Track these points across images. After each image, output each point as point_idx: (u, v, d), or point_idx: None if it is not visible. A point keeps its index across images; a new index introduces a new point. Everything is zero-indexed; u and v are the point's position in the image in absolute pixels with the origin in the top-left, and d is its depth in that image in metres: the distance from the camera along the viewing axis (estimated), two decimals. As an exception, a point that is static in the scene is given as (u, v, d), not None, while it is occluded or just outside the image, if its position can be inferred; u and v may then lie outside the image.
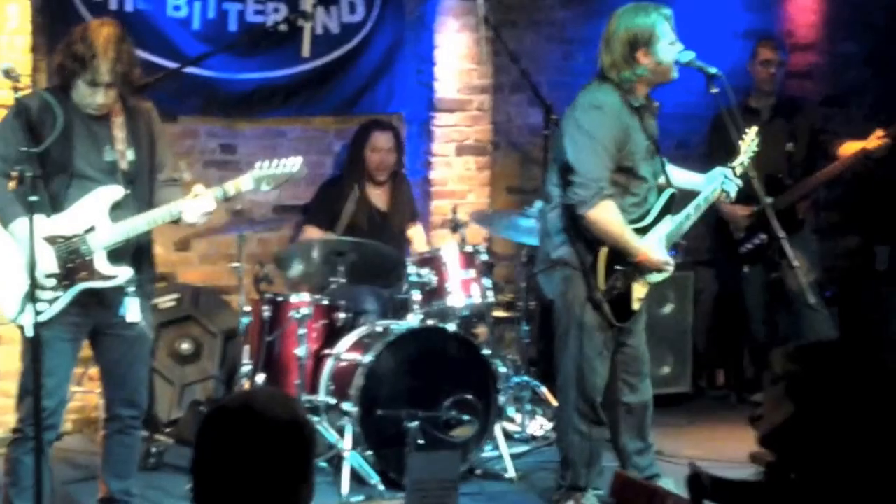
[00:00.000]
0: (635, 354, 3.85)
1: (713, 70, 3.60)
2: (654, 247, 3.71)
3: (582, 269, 3.66)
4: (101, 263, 3.25)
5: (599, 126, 3.59)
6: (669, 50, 3.61)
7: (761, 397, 1.98)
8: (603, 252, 3.64)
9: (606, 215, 3.58)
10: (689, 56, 3.63)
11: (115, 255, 3.27)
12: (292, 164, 3.40)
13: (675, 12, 4.98)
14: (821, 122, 5.26)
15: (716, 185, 3.80)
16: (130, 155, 3.28)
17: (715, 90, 3.59)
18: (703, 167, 5.66)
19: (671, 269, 3.77)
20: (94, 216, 3.24)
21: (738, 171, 3.82)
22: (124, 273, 3.27)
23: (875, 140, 4.73)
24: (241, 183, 3.36)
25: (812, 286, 5.08)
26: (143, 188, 3.33)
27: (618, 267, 3.65)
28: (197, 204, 3.26)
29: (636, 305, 3.75)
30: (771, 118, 5.07)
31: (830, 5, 6.02)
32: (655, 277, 3.77)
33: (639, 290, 3.75)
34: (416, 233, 4.97)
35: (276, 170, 3.38)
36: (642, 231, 3.71)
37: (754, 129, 3.95)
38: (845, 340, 1.89)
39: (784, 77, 5.79)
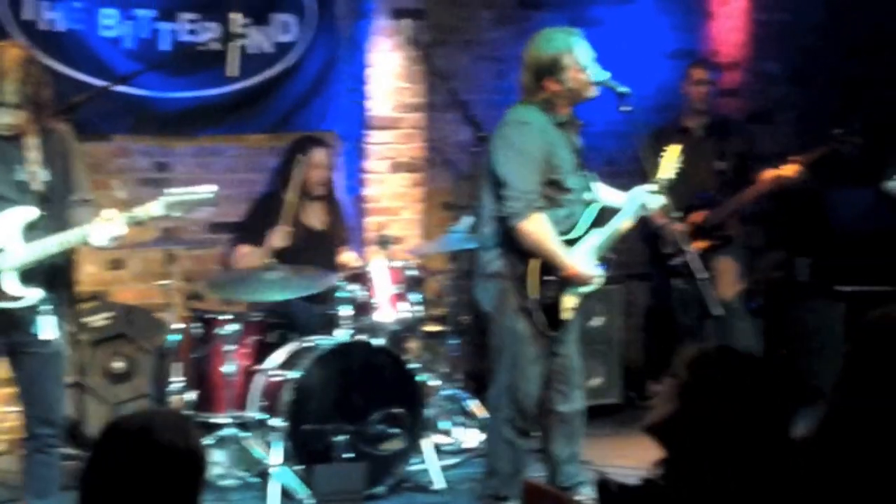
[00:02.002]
0: (568, 364, 3.95)
1: (623, 89, 3.71)
2: (582, 260, 3.82)
3: (515, 280, 3.76)
4: (11, 284, 3.28)
5: (527, 141, 3.70)
6: (577, 76, 3.71)
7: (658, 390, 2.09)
8: (534, 262, 3.74)
9: (538, 227, 3.68)
10: (603, 75, 3.74)
11: (27, 276, 3.30)
12: (204, 190, 3.45)
13: (605, 35, 5.17)
14: (750, 143, 5.40)
15: (638, 201, 3.92)
16: (44, 176, 3.31)
17: (625, 108, 3.69)
18: (633, 183, 5.85)
19: (599, 281, 3.89)
20: (5, 237, 3.27)
21: (662, 185, 3.92)
22: (33, 294, 3.31)
23: (790, 168, 4.91)
24: (151, 208, 3.41)
25: (741, 297, 5.26)
26: (57, 209, 3.35)
27: (548, 277, 3.76)
28: (106, 228, 3.30)
29: (565, 315, 3.85)
30: (703, 137, 5.23)
31: (755, 25, 6.20)
32: (584, 289, 3.88)
33: (568, 301, 3.85)
34: (348, 259, 5.00)
35: (187, 196, 3.43)
36: (570, 243, 3.82)
37: (677, 147, 4.07)
38: (732, 351, 2.01)
39: (714, 98, 5.98)
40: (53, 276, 3.38)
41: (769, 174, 5.02)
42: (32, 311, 3.30)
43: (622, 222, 3.92)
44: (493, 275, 3.81)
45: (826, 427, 2.09)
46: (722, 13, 6.17)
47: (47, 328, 3.30)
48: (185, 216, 3.51)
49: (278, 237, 4.60)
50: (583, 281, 3.81)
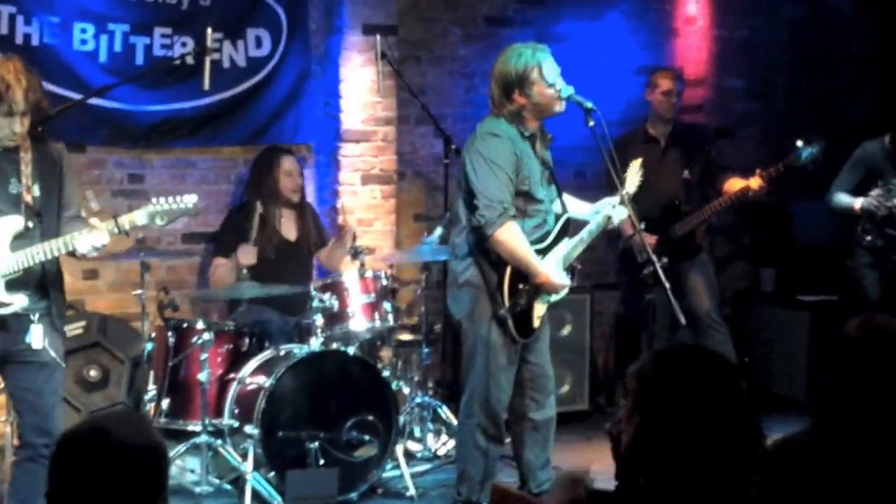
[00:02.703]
0: (540, 372, 4.03)
1: (589, 104, 3.80)
2: (552, 269, 3.92)
3: (487, 289, 3.84)
4: None
5: (497, 152, 3.79)
6: (544, 91, 3.80)
7: (619, 412, 2.13)
8: (507, 271, 3.82)
9: (511, 235, 3.77)
10: (569, 91, 3.83)
11: (15, 284, 3.36)
12: (187, 201, 3.52)
13: (573, 51, 5.29)
14: (715, 149, 5.43)
15: (604, 213, 4.04)
16: (36, 190, 3.38)
17: (591, 123, 3.78)
18: (600, 195, 5.93)
19: (567, 290, 3.99)
20: None
21: (626, 199, 4.01)
22: (20, 301, 3.36)
23: (755, 181, 4.98)
24: (136, 217, 3.47)
25: (714, 306, 5.33)
26: (49, 223, 3.41)
27: (521, 286, 3.84)
28: (90, 237, 3.36)
29: (536, 323, 3.94)
30: (668, 146, 5.27)
31: (718, 43, 6.37)
32: (553, 297, 3.97)
33: (538, 309, 3.94)
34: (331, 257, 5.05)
35: (170, 206, 3.49)
36: (541, 253, 3.91)
37: (638, 160, 4.16)
38: (682, 350, 2.01)
39: (678, 108, 6.11)
40: (44, 285, 3.43)
41: (734, 185, 5.12)
42: (24, 318, 3.36)
43: (589, 233, 4.03)
44: (465, 284, 3.88)
45: (815, 439, 2.13)
46: (686, 31, 6.34)
47: (37, 336, 3.35)
48: (167, 225, 3.56)
49: (245, 255, 4.65)
50: (553, 289, 3.90)
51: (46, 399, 3.44)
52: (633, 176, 4.14)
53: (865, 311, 4.77)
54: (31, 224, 3.36)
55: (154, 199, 3.52)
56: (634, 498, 1.87)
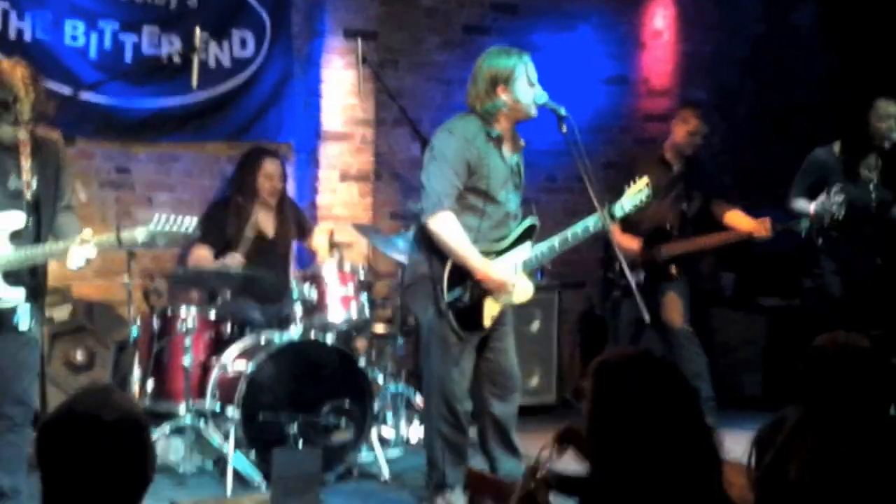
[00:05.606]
0: (498, 370, 4.09)
1: (563, 111, 3.90)
2: (500, 268, 3.92)
3: (436, 283, 3.90)
4: None
5: (446, 147, 3.91)
6: (526, 90, 3.94)
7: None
8: (448, 264, 3.90)
9: (444, 227, 3.85)
10: (544, 97, 3.96)
11: (11, 277, 3.49)
12: (188, 223, 3.61)
13: (545, 60, 5.47)
14: (717, 189, 5.42)
15: (586, 223, 3.99)
16: (35, 184, 3.48)
17: (564, 129, 3.88)
18: (569, 197, 6.12)
19: (524, 294, 4.01)
20: None
21: (618, 213, 4.00)
22: (18, 295, 3.49)
23: (763, 228, 5.05)
24: (137, 235, 3.58)
25: (687, 322, 5.33)
26: (47, 215, 3.53)
27: (468, 281, 3.91)
28: (83, 251, 3.47)
29: (487, 322, 3.97)
30: (679, 175, 5.26)
31: (683, 57, 6.63)
32: (509, 299, 3.98)
33: (491, 307, 3.97)
34: (318, 244, 5.16)
35: (172, 228, 3.59)
36: (498, 253, 3.98)
37: (645, 179, 4.08)
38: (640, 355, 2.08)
39: (642, 120, 6.36)
40: (35, 273, 3.56)
41: (738, 221, 5.15)
42: (13, 308, 3.49)
43: (565, 238, 3.99)
44: (420, 278, 3.97)
45: (790, 442, 2.19)
46: (653, 44, 6.60)
47: (25, 319, 3.49)
48: (166, 246, 3.68)
49: (231, 261, 4.82)
50: (495, 287, 3.92)
51: (26, 373, 3.56)
52: (634, 193, 4.02)
53: (825, 315, 4.97)
54: (30, 220, 3.46)
55: (156, 218, 3.59)
56: (602, 484, 1.98)
